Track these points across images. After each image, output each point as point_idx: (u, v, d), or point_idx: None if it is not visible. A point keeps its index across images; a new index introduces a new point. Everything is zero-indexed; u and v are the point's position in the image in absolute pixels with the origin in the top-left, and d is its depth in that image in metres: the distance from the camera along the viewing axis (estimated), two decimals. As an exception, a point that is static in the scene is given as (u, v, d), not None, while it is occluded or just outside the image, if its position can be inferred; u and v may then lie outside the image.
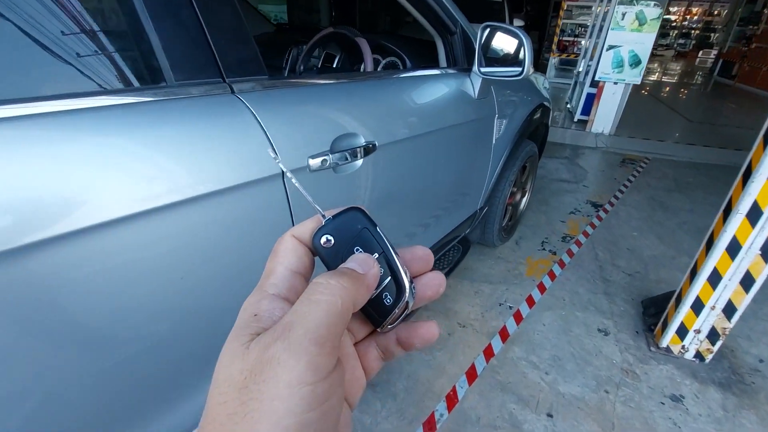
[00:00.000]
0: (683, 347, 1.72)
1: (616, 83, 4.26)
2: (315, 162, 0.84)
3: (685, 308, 1.65)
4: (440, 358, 1.68)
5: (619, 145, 4.40)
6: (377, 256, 0.24)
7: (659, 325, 1.80)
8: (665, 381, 1.63)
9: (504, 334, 1.81)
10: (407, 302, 0.24)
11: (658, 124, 5.42)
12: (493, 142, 1.70)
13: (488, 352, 1.71)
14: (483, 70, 1.38)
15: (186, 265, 0.70)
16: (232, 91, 0.73)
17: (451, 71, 1.43)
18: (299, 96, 0.85)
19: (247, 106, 0.74)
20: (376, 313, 0.25)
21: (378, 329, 0.26)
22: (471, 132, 1.50)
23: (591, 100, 4.57)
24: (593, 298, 2.06)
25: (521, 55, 1.26)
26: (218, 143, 0.69)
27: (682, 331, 1.70)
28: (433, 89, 1.28)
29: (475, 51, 1.40)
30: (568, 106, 5.82)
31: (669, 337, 1.73)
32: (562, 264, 2.32)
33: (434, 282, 0.26)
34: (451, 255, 1.88)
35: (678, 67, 14.18)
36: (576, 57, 7.55)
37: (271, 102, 0.79)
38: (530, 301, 2.02)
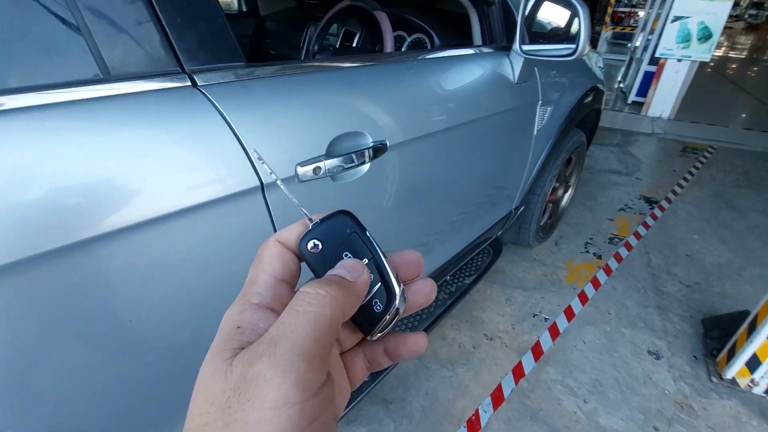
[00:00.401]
0: (752, 381, 1.46)
1: (680, 60, 3.75)
2: (305, 170, 0.67)
3: (761, 338, 1.38)
4: (463, 375, 1.52)
5: (680, 131, 3.91)
6: (367, 261, 0.23)
7: (724, 351, 1.54)
8: (728, 419, 1.38)
9: (537, 351, 1.61)
10: (398, 309, 0.23)
11: (725, 107, 4.81)
12: (535, 133, 1.46)
13: (518, 372, 1.53)
14: (526, 48, 1.14)
15: (146, 298, 0.56)
16: (194, 84, 0.57)
17: (486, 50, 1.20)
18: (288, 87, 0.68)
19: (212, 102, 0.57)
20: (366, 321, 0.24)
21: (368, 337, 0.24)
22: (507, 123, 1.27)
23: (649, 80, 4.08)
24: (643, 312, 1.81)
25: (575, 30, 1.02)
26: (173, 151, 0.54)
27: (753, 363, 1.43)
28: (462, 73, 1.06)
29: (516, 25, 1.16)
30: (621, 85, 5.28)
31: (736, 368, 1.47)
32: (608, 270, 2.06)
33: (425, 290, 0.25)
34: (479, 260, 1.68)
35: (748, 42, 12.70)
36: (632, 30, 6.88)
37: (247, 96, 0.62)
38: (569, 313, 1.79)
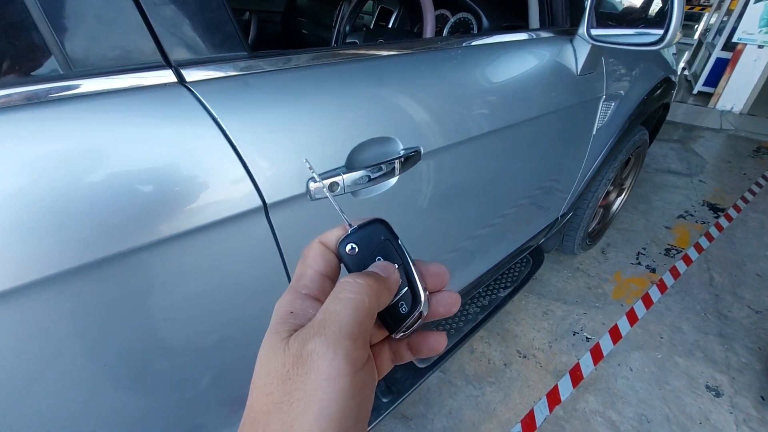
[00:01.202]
0: (837, 433, 1.24)
1: (761, 47, 3.28)
2: (319, 186, 0.55)
3: None
4: (491, 395, 1.39)
5: (754, 128, 3.46)
6: (397, 266, 0.25)
7: (803, 396, 1.32)
8: (802, 477, 1.19)
9: (576, 376, 1.45)
10: (421, 312, 0.25)
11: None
12: (594, 132, 1.26)
13: (553, 397, 1.38)
14: (595, 33, 0.95)
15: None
16: (181, 80, 0.46)
17: (545, 34, 1.01)
18: (301, 83, 0.55)
19: (203, 103, 0.46)
20: (392, 320, 0.26)
21: (392, 335, 0.26)
22: (564, 122, 1.09)
23: (721, 68, 3.63)
24: (702, 340, 1.59)
25: (656, 10, 0.81)
26: (153, 167, 0.43)
27: (841, 415, 1.21)
28: (515, 63, 0.89)
29: (583, 4, 0.96)
30: (686, 73, 4.76)
31: (818, 418, 1.25)
32: (662, 287, 1.84)
33: (448, 301, 0.27)
34: (517, 270, 1.52)
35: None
36: (702, 10, 6.20)
37: (248, 95, 0.50)
38: (615, 334, 1.61)
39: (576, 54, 1.02)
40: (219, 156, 0.46)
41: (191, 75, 0.46)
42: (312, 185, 0.55)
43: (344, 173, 0.57)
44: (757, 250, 2.07)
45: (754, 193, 2.57)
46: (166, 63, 0.45)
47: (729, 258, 2.02)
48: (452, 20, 1.31)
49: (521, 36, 0.96)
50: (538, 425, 1.30)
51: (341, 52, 0.61)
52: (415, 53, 0.71)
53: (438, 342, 0.26)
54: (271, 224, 0.54)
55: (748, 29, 3.24)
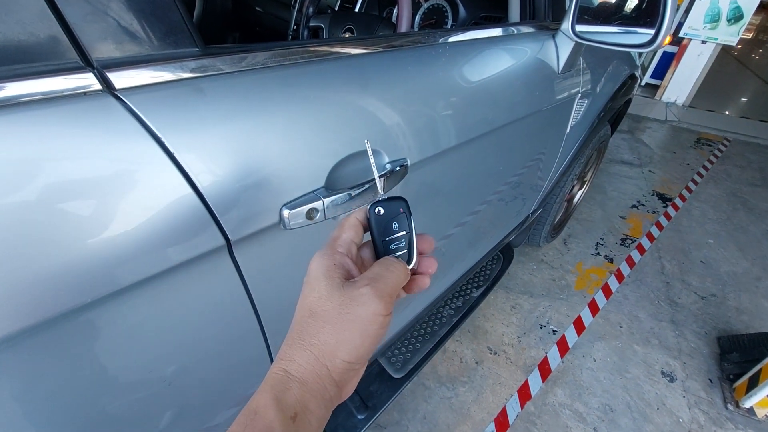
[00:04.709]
0: (773, 411, 1.35)
1: (704, 42, 3.47)
2: (295, 214, 0.45)
3: (794, 372, 1.26)
4: (464, 396, 1.38)
5: (694, 119, 3.69)
6: (405, 233, 0.34)
7: (744, 378, 1.42)
8: (745, 454, 1.29)
9: (544, 370, 1.47)
10: (413, 267, 0.34)
11: (739, 94, 4.60)
12: (567, 130, 1.24)
13: (524, 393, 1.39)
14: (580, 30, 0.90)
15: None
16: (107, 86, 0.34)
17: (525, 29, 0.95)
18: (269, 87, 0.45)
19: (140, 118, 0.34)
20: None
21: None
22: (544, 121, 1.05)
23: (667, 61, 3.81)
24: (657, 327, 1.68)
25: (655, 10, 0.77)
26: (76, 206, 0.31)
27: (778, 396, 1.32)
28: (498, 61, 0.82)
29: (567, -2, 0.91)
30: (633, 64, 4.98)
31: (757, 399, 1.36)
32: (620, 276, 1.91)
33: (428, 263, 0.36)
34: (488, 268, 1.50)
35: (757, 21, 12.33)
36: (647, 3, 6.47)
37: (202, 105, 0.39)
38: (579, 325, 1.65)
39: (558, 51, 0.97)
40: (166, 188, 0.36)
41: (121, 79, 0.34)
42: (286, 213, 0.45)
43: (325, 197, 0.48)
44: (700, 238, 2.21)
45: (696, 183, 2.74)
46: (85, 63, 0.33)
47: (677, 246, 2.14)
48: (425, 6, 1.22)
49: (503, 31, 0.89)
50: (510, 423, 1.31)
51: (316, 49, 0.50)
52: (398, 50, 0.62)
53: (423, 282, 0.35)
54: (237, 263, 0.44)
55: (693, 25, 3.41)
